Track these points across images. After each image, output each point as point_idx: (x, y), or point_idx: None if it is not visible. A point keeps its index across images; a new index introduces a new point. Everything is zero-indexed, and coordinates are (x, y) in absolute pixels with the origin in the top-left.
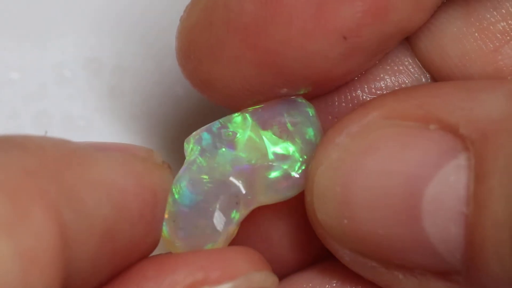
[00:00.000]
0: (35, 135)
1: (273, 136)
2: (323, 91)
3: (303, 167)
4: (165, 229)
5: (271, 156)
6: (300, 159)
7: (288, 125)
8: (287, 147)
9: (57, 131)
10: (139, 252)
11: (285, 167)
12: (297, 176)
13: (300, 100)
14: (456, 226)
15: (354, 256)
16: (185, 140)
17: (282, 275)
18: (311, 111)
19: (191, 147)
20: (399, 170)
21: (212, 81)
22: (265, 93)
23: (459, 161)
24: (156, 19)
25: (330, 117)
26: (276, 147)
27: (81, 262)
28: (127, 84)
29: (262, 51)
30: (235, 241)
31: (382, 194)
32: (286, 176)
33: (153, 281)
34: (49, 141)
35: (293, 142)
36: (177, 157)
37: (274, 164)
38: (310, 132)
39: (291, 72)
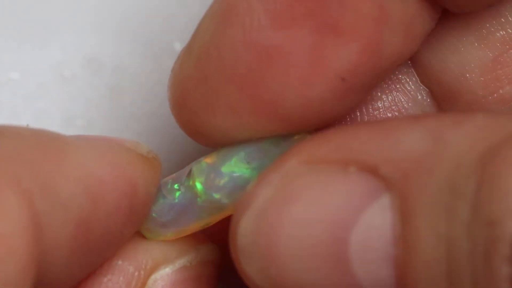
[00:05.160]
0: (14, 125)
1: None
2: (319, 128)
3: None
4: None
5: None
6: None
7: None
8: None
9: (57, 131)
10: (116, 242)
11: None
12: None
13: None
14: (386, 268)
15: None
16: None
17: None
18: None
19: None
20: (322, 216)
21: (208, 130)
22: (260, 136)
23: (382, 201)
24: (156, 19)
25: None
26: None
27: (56, 250)
28: (127, 84)
29: (260, 100)
30: None
31: (308, 242)
32: None
33: (119, 269)
34: (28, 130)
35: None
36: (177, 157)
37: None
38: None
39: (289, 117)
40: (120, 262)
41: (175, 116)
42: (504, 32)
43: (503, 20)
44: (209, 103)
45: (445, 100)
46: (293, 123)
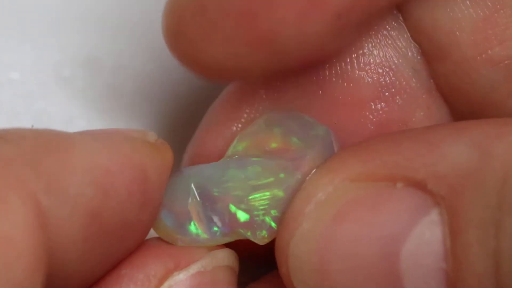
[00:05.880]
0: (16, 128)
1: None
2: (311, 65)
3: None
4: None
5: None
6: None
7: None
8: None
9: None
10: (135, 231)
11: None
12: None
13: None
14: (437, 283)
15: None
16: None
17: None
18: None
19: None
20: (372, 233)
21: (203, 60)
22: (256, 70)
23: (432, 217)
24: (156, 19)
25: (320, 91)
26: None
27: (68, 245)
28: (127, 84)
29: (257, 33)
30: None
31: (359, 258)
32: None
33: (128, 277)
34: (30, 131)
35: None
36: (177, 157)
37: None
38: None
39: (284, 51)
40: (128, 270)
41: (169, 45)
42: None
43: None
44: (205, 34)
45: (435, 58)
46: (288, 57)
